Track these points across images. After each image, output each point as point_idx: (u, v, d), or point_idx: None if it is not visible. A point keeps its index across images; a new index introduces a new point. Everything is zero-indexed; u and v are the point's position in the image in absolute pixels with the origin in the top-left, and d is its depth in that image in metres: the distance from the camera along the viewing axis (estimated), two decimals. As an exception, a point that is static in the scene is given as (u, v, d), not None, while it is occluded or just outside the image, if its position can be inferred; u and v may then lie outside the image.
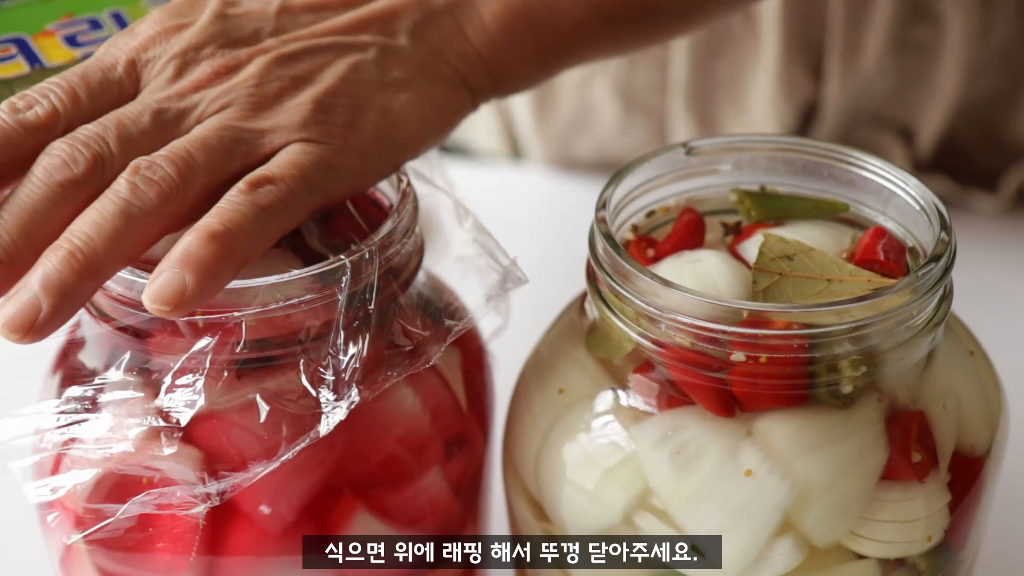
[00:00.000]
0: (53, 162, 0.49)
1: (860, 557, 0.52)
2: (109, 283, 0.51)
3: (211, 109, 0.52)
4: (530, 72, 0.61)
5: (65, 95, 0.52)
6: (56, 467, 0.54)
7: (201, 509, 0.51)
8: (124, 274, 0.51)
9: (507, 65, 0.59)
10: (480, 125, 1.07)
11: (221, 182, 0.51)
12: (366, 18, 0.56)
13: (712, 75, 0.95)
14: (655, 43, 0.75)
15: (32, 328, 0.47)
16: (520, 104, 1.02)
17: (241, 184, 0.50)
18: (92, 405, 0.53)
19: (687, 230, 0.56)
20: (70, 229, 0.48)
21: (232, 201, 0.49)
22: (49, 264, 0.47)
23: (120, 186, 0.49)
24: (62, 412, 0.54)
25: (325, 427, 0.50)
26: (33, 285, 0.47)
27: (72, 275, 0.47)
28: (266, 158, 0.52)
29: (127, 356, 0.53)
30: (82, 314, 0.54)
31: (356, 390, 0.51)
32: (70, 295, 0.47)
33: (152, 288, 0.47)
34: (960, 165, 0.98)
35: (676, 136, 0.99)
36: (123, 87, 0.53)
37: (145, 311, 0.50)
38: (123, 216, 0.48)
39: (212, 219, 0.48)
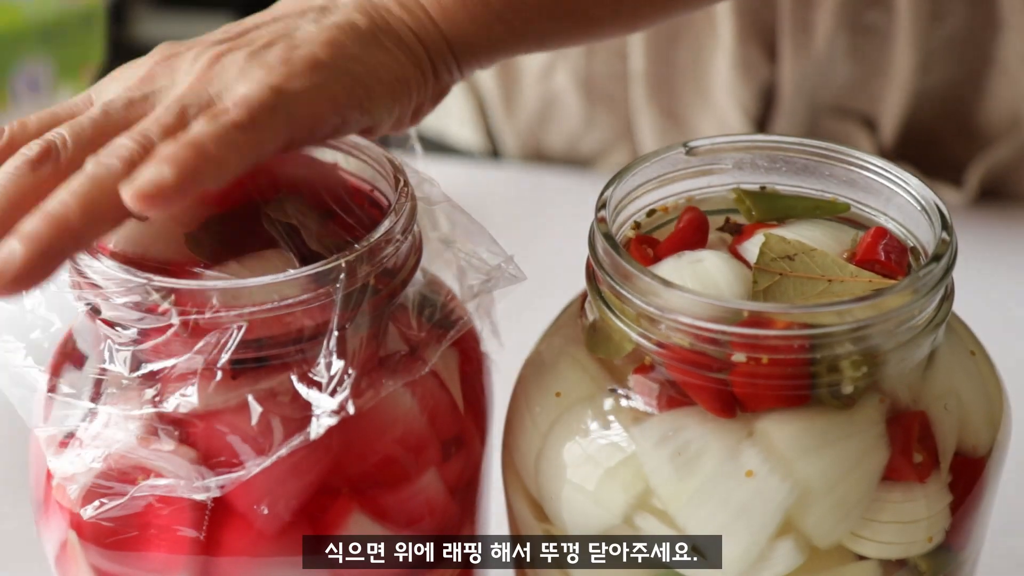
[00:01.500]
0: (15, 157, 0.52)
1: (861, 558, 0.51)
2: (106, 283, 0.52)
3: (156, 100, 0.54)
4: (487, 37, 0.60)
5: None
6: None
7: (199, 497, 0.51)
8: (120, 273, 0.51)
9: (462, 30, 0.59)
10: (457, 122, 1.09)
11: None
12: (304, 6, 0.58)
13: (672, 62, 0.96)
14: (611, 25, 0.71)
15: (8, 277, 0.48)
16: (490, 97, 1.03)
17: (201, 114, 0.51)
18: (89, 404, 0.53)
19: (690, 230, 0.56)
20: (45, 200, 0.50)
21: (197, 121, 0.51)
22: (25, 222, 0.49)
23: (87, 164, 0.51)
24: (59, 411, 0.54)
25: (315, 431, 0.50)
26: (9, 238, 0.49)
27: (45, 228, 0.48)
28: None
29: (124, 356, 0.53)
30: (80, 314, 0.54)
31: (349, 397, 0.52)
32: (44, 246, 0.48)
33: (134, 183, 0.48)
34: (926, 155, 0.99)
35: (641, 126, 1.00)
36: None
37: (141, 312, 0.50)
38: (90, 179, 0.50)
39: (184, 133, 0.50)
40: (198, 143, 0.49)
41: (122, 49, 2.33)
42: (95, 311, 0.53)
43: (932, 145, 0.99)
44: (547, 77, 1.00)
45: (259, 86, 0.52)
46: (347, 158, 0.60)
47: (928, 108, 0.97)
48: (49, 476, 0.55)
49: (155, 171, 0.48)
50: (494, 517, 0.64)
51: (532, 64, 1.00)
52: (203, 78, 0.54)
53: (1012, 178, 1.00)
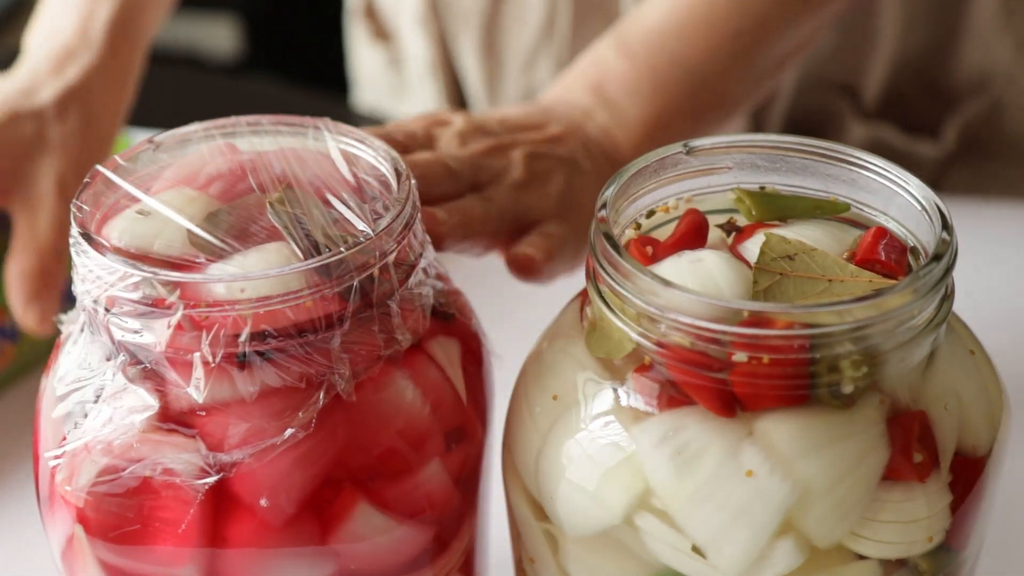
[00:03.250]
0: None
1: (861, 558, 0.51)
2: (111, 278, 0.52)
3: (493, 171, 0.70)
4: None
5: (406, 138, 0.70)
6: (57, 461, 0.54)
7: (204, 481, 0.52)
8: (126, 267, 0.52)
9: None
10: None
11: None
12: (557, 137, 0.74)
13: None
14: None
15: None
16: (474, 88, 1.04)
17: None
18: (94, 398, 0.53)
19: (690, 230, 0.56)
20: None
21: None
22: None
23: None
24: (64, 405, 0.54)
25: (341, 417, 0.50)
26: None
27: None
28: (520, 224, 0.70)
29: (130, 349, 0.53)
30: (84, 306, 0.55)
31: (351, 384, 0.52)
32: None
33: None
34: (904, 115, 1.02)
35: None
36: (423, 142, 0.71)
37: (147, 305, 0.51)
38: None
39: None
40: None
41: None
42: (100, 304, 0.53)
43: (909, 106, 1.02)
44: (530, 68, 1.01)
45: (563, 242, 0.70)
46: (349, 151, 0.60)
47: (906, 71, 1.00)
48: (54, 471, 0.55)
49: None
50: (494, 517, 0.64)
51: (516, 55, 1.01)
52: (527, 185, 0.70)
53: (984, 132, 1.04)
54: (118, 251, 0.54)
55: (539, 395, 0.56)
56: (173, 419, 0.52)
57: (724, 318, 0.49)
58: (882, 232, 0.55)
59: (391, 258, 0.54)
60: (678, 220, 0.57)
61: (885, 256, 0.54)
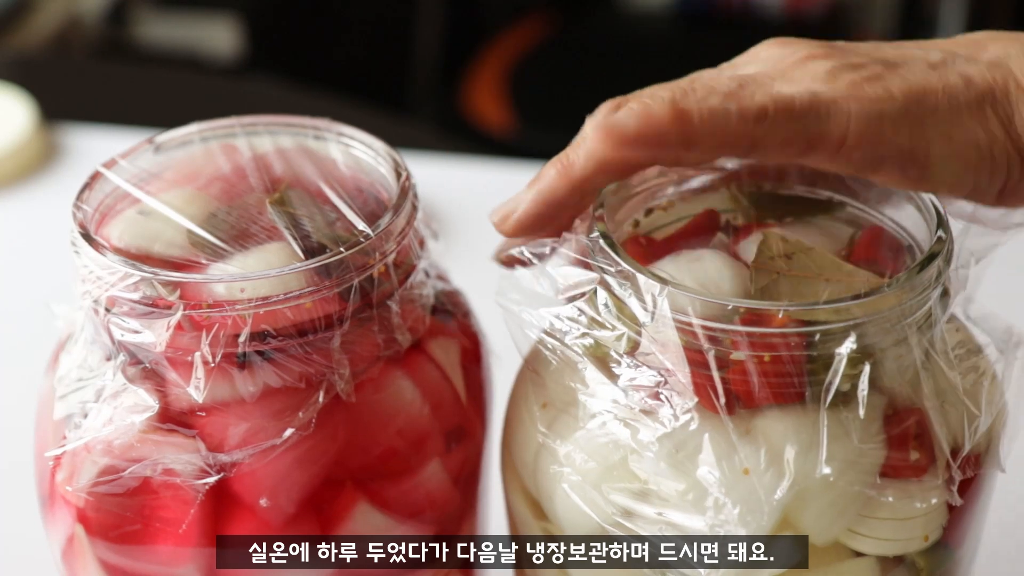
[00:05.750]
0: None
1: (858, 555, 0.52)
2: (112, 278, 0.52)
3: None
4: None
5: None
6: (58, 460, 0.54)
7: (204, 481, 0.52)
8: (126, 267, 0.52)
9: None
10: None
11: None
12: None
13: None
14: None
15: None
16: None
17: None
18: (93, 397, 0.54)
19: (699, 229, 0.56)
20: None
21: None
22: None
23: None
24: (65, 404, 0.55)
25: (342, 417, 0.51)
26: None
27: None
28: None
29: (130, 349, 0.53)
30: (84, 306, 0.55)
31: (350, 384, 0.52)
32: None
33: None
34: None
35: None
36: None
37: (147, 305, 0.51)
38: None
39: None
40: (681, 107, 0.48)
41: (122, 49, 2.34)
42: (100, 304, 0.53)
43: None
44: None
45: (801, 88, 0.49)
46: (349, 151, 0.60)
47: None
48: (54, 470, 0.55)
49: (623, 112, 0.48)
50: (494, 517, 0.65)
51: None
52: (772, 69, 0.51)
53: None
54: (118, 251, 0.54)
55: (537, 395, 0.56)
56: (173, 419, 0.53)
57: (721, 316, 0.49)
58: (878, 231, 0.56)
59: (391, 258, 0.55)
60: (691, 217, 0.57)
61: (882, 255, 0.54)
